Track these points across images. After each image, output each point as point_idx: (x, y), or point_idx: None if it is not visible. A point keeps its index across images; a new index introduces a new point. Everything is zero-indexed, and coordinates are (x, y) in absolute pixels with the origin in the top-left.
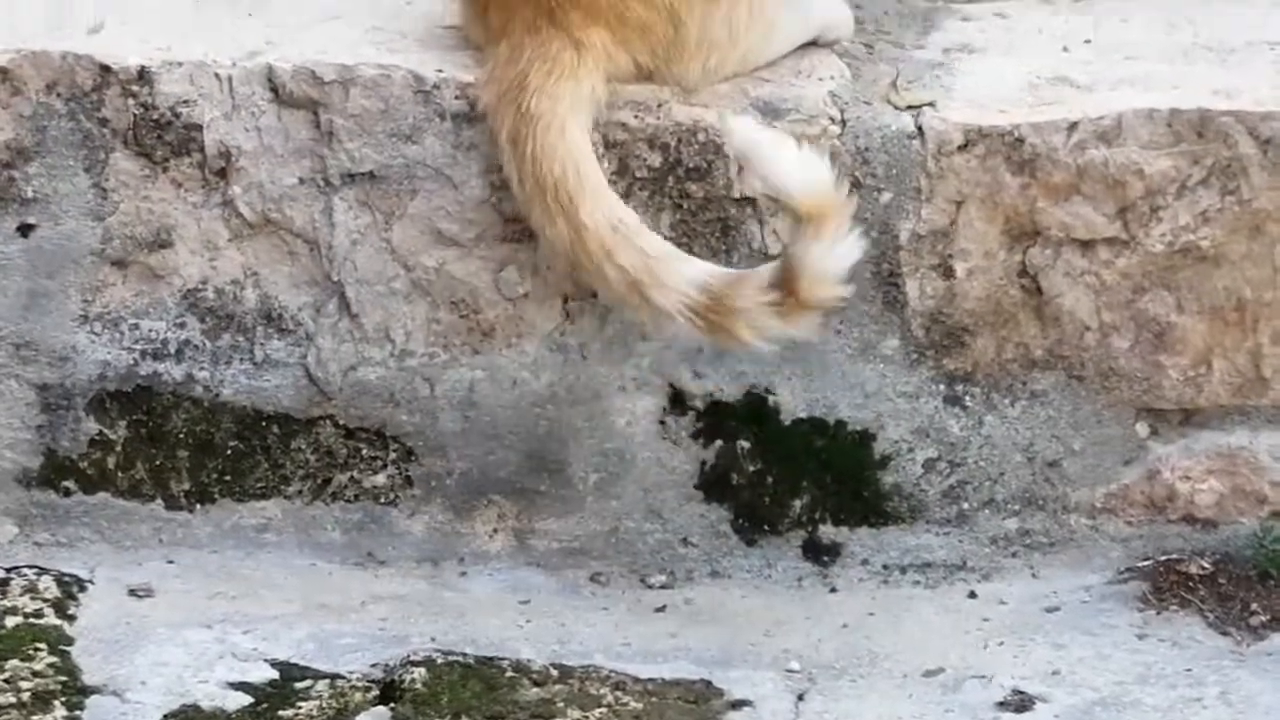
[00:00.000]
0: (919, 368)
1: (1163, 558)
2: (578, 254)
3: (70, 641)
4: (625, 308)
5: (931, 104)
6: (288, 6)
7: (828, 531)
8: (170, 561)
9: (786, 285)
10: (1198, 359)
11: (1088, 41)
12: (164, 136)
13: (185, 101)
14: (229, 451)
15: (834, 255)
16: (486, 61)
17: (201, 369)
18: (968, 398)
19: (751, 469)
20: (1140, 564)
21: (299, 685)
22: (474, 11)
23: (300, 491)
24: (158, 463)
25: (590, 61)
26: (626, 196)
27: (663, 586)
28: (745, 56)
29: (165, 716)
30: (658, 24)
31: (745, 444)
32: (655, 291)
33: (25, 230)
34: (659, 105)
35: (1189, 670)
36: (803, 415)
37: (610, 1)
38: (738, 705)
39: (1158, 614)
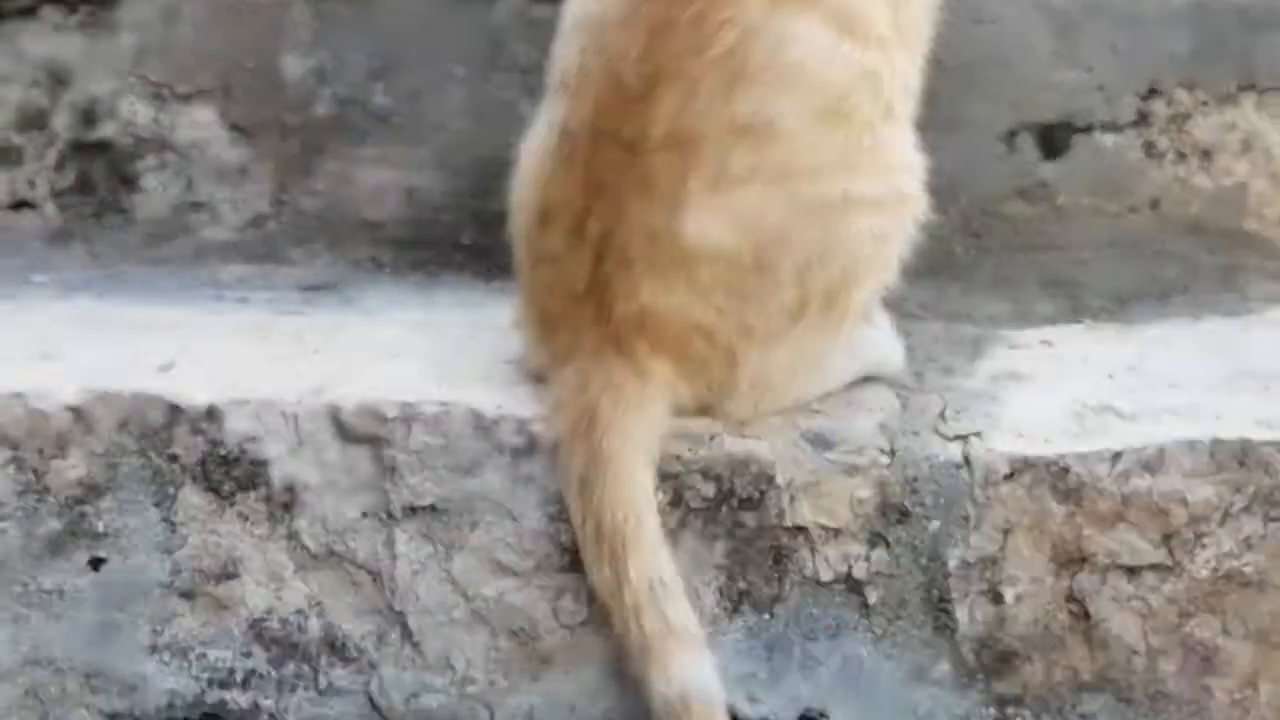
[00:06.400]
0: (970, 691)
1: None
2: (614, 603)
3: None
4: (633, 670)
5: (979, 434)
6: (351, 344)
7: None
8: None
9: None
10: (1244, 682)
11: (1132, 369)
12: (231, 472)
13: (252, 438)
14: None
15: None
16: (551, 386)
17: (267, 696)
18: None
19: None
20: None
21: None
22: (540, 334)
23: None
24: None
25: (655, 392)
26: (681, 527)
27: None
28: (798, 397)
29: None
30: (716, 362)
31: None
32: (654, 668)
33: (96, 564)
34: (711, 438)
35: None
36: None
37: (675, 335)
38: None
39: None
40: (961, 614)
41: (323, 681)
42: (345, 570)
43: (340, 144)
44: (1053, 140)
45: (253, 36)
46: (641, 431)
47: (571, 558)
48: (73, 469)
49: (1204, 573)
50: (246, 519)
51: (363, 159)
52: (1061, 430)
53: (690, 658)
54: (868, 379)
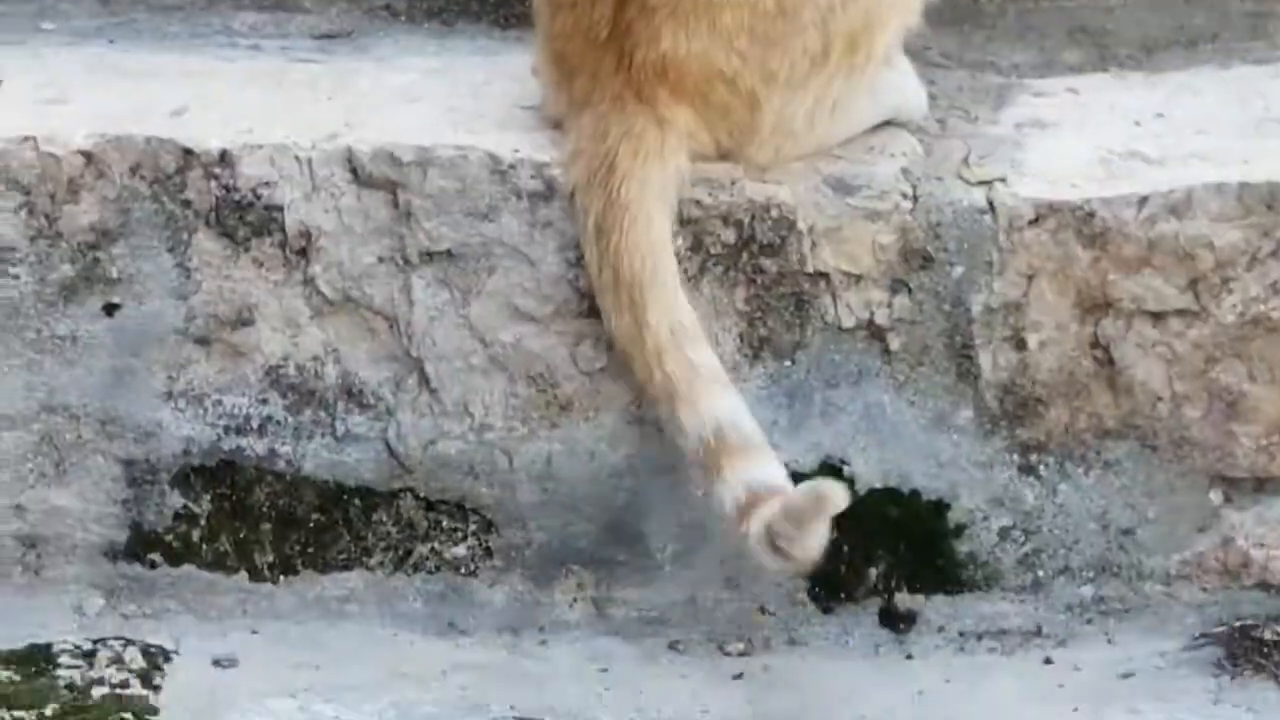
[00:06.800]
0: (993, 438)
1: (1237, 624)
2: (634, 350)
3: (155, 712)
4: (660, 414)
5: (1003, 179)
6: (367, 89)
7: (904, 600)
8: (254, 632)
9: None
10: (1270, 428)
11: (1159, 116)
12: (245, 217)
13: (266, 183)
14: (311, 524)
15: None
16: (569, 133)
17: (284, 444)
18: (1041, 467)
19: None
20: (1215, 630)
21: None
22: (558, 78)
23: (382, 563)
24: (241, 535)
25: (674, 140)
26: (701, 273)
27: (740, 654)
28: (820, 142)
29: None
30: (738, 107)
31: None
32: (683, 409)
33: (110, 309)
34: (732, 182)
35: None
36: (878, 485)
37: (697, 81)
38: None
39: (1232, 679)
40: (985, 360)
41: (340, 428)
42: (362, 316)
43: None
44: None
45: None
46: (660, 179)
47: (590, 303)
48: (85, 214)
49: (1230, 318)
50: (261, 265)
51: None
52: (1087, 175)
53: (719, 394)
54: (889, 124)
